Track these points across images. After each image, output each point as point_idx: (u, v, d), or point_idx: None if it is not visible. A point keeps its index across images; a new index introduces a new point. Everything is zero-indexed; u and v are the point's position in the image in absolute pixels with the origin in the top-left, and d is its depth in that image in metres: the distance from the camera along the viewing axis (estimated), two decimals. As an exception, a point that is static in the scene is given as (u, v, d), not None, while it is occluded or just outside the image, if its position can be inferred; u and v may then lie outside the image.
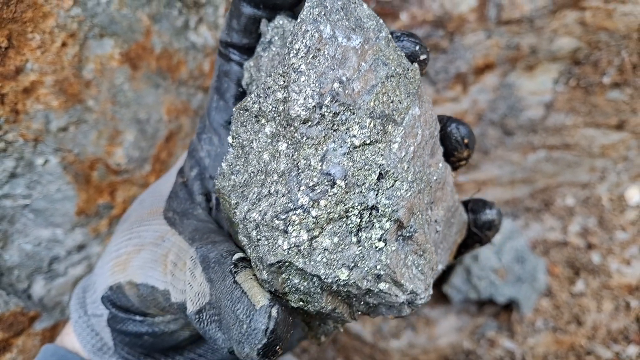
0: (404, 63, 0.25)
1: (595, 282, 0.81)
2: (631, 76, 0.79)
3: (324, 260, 0.24)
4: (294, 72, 0.24)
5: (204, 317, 0.25)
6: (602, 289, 0.81)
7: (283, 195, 0.24)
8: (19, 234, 0.47)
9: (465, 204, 0.34)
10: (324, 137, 0.24)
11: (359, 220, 0.24)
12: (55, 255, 0.51)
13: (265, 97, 0.25)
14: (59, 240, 0.50)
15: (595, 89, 0.79)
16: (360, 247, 0.24)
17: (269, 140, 0.26)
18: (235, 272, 0.25)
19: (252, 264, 0.25)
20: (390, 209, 0.24)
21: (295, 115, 0.23)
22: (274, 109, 0.25)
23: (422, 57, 0.27)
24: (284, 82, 0.24)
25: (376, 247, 0.24)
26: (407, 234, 0.25)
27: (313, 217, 0.23)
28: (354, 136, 0.23)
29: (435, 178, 0.27)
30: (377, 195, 0.24)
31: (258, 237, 0.24)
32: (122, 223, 0.35)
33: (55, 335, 0.52)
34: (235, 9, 0.30)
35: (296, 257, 0.23)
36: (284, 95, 0.24)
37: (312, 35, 0.23)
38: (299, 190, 0.23)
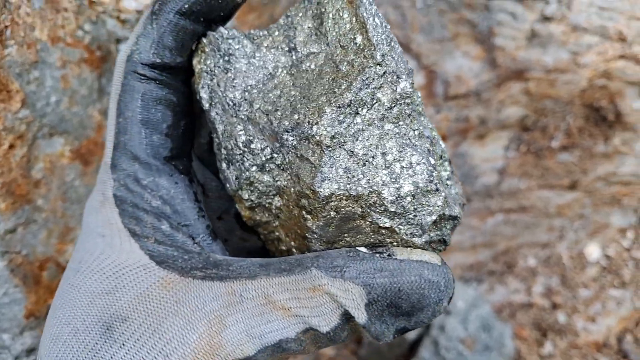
0: None
1: (563, 343, 0.81)
2: (578, 139, 0.83)
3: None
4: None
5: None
6: (570, 349, 0.81)
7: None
8: (-41, 344, 0.45)
9: None
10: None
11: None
12: (1, 361, 0.48)
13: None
14: (6, 346, 0.48)
15: (545, 152, 0.82)
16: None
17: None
18: (391, 254, 0.25)
19: (403, 234, 0.25)
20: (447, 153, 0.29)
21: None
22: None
23: None
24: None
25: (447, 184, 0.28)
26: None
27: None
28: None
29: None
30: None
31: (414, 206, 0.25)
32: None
33: None
34: (168, 24, 0.27)
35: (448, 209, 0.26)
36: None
37: None
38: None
